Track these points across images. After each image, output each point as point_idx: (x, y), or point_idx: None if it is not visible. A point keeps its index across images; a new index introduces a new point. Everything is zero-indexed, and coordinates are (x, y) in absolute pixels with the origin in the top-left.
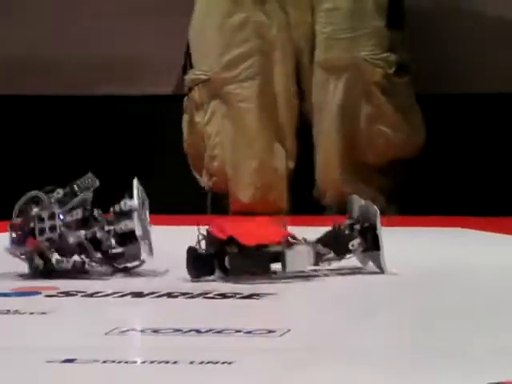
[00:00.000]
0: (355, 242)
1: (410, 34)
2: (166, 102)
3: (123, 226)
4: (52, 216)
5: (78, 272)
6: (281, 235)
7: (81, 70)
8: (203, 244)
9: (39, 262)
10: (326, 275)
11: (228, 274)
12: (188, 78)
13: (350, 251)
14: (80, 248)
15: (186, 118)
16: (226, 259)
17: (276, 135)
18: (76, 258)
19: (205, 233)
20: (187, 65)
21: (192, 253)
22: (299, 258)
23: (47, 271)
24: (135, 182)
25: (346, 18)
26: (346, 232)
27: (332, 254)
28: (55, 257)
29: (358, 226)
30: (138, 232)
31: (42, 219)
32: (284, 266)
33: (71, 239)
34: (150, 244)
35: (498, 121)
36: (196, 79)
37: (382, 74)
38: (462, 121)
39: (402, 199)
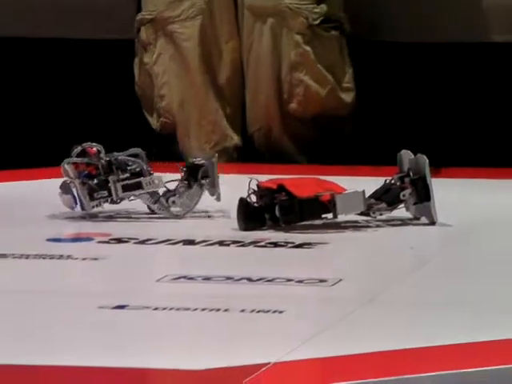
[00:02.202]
0: (406, 192)
1: None
2: None
3: None
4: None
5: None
6: (331, 188)
7: None
8: (253, 198)
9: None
10: (378, 226)
11: (279, 224)
12: (136, 19)
13: (401, 201)
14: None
15: (137, 59)
16: (277, 208)
17: (218, 76)
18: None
19: (255, 186)
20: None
21: (243, 206)
22: (349, 203)
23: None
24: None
25: None
26: (397, 184)
27: (383, 204)
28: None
29: (408, 179)
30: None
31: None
32: (335, 211)
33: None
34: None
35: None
36: (143, 19)
37: (305, 25)
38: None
39: (321, 152)
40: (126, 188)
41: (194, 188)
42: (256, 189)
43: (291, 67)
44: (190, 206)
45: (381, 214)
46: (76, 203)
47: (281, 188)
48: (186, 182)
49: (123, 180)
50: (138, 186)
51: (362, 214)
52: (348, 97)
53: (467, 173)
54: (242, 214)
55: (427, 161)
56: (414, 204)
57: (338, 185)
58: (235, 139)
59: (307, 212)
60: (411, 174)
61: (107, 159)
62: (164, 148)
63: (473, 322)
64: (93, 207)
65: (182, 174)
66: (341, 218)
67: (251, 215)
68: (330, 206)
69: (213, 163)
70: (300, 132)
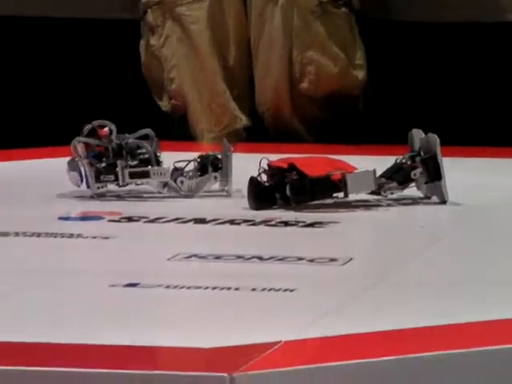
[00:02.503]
0: (417, 172)
1: None
2: None
3: None
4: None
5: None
6: (341, 167)
7: None
8: (264, 177)
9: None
10: (388, 205)
11: (290, 203)
12: (142, 1)
13: (412, 180)
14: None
15: (143, 41)
16: (287, 187)
17: (226, 58)
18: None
19: (266, 166)
20: None
21: (254, 185)
22: (360, 182)
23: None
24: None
25: None
26: (408, 163)
27: (394, 184)
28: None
29: (419, 158)
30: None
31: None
32: (346, 190)
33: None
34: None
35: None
36: (149, 1)
37: (315, 2)
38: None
39: (330, 132)
40: (132, 175)
41: (205, 177)
42: (267, 168)
43: (303, 46)
44: (195, 191)
45: (392, 193)
46: (82, 181)
47: (292, 167)
48: (198, 173)
49: (132, 167)
50: (146, 174)
51: (372, 193)
52: (360, 74)
53: (479, 152)
54: (252, 193)
55: (438, 140)
56: (425, 183)
57: (349, 164)
58: (244, 120)
59: (318, 191)
60: (422, 153)
61: (118, 142)
62: (174, 128)
63: (484, 301)
64: (98, 188)
65: (196, 163)
66: (352, 197)
67: (262, 194)
68: (341, 185)
69: (227, 156)
70: (311, 112)
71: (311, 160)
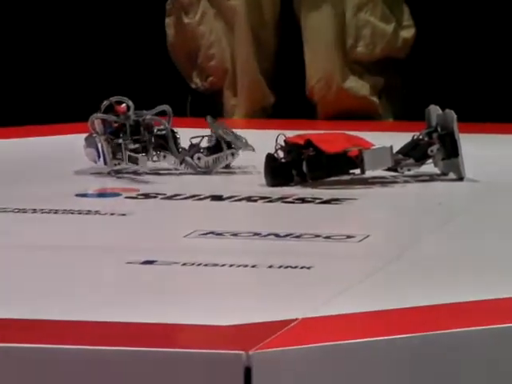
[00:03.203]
0: (434, 148)
1: None
2: None
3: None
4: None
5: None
6: (358, 143)
7: None
8: (281, 153)
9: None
10: (405, 182)
11: (306, 179)
12: None
13: (429, 157)
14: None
15: (170, 19)
16: (304, 164)
17: (259, 34)
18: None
19: (283, 142)
20: None
21: (270, 161)
22: (377, 158)
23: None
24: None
25: None
26: (425, 139)
27: (411, 160)
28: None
29: (436, 134)
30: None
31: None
32: (362, 167)
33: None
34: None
35: None
36: None
37: None
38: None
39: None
40: (129, 158)
41: (222, 154)
42: (283, 144)
43: (357, 8)
44: (212, 168)
45: (408, 170)
46: (99, 157)
47: (308, 143)
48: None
49: (130, 150)
50: (135, 161)
51: (389, 169)
52: (409, 33)
53: (496, 128)
54: (269, 169)
55: (455, 116)
56: (442, 160)
57: (366, 140)
58: (272, 97)
59: (335, 168)
60: (439, 129)
61: (135, 119)
62: (199, 104)
63: (503, 277)
64: (115, 165)
65: (211, 140)
66: (368, 173)
67: (278, 171)
68: (358, 161)
69: (225, 129)
70: (363, 79)
71: (328, 136)
